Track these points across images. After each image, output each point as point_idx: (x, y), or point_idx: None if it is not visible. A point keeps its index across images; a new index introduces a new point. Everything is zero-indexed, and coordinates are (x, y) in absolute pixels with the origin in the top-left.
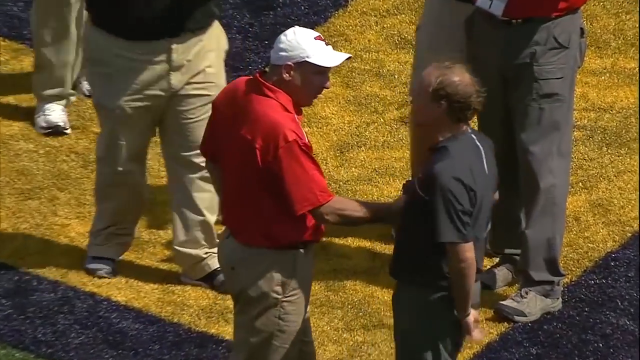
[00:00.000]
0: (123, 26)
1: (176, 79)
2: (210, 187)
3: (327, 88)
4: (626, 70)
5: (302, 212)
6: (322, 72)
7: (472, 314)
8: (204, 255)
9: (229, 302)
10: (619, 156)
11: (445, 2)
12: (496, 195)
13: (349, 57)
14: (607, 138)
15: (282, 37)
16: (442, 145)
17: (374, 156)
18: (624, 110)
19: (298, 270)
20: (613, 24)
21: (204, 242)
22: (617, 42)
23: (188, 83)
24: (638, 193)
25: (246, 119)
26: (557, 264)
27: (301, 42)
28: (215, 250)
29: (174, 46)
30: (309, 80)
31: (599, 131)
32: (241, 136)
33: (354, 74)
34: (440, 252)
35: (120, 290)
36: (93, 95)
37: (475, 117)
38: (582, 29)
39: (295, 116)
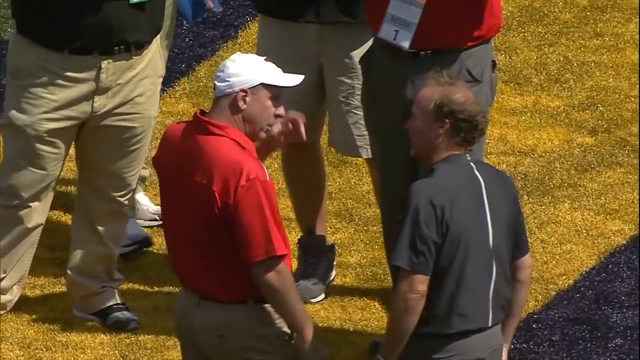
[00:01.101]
0: (50, 35)
1: (100, 103)
2: (118, 219)
3: (282, 117)
4: (549, 109)
5: (257, 259)
6: (276, 97)
7: None
8: (100, 290)
9: None
10: (541, 205)
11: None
12: (526, 260)
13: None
14: (528, 185)
15: (227, 63)
16: (435, 167)
17: None
18: (547, 154)
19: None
20: (535, 58)
21: (102, 276)
22: (539, 77)
23: (111, 112)
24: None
25: (197, 165)
26: None
27: (253, 64)
28: (113, 284)
29: (104, 65)
30: (265, 106)
31: (519, 177)
32: (195, 184)
33: None
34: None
35: None
36: (4, 112)
37: (379, 161)
38: (493, 61)
39: (254, 151)
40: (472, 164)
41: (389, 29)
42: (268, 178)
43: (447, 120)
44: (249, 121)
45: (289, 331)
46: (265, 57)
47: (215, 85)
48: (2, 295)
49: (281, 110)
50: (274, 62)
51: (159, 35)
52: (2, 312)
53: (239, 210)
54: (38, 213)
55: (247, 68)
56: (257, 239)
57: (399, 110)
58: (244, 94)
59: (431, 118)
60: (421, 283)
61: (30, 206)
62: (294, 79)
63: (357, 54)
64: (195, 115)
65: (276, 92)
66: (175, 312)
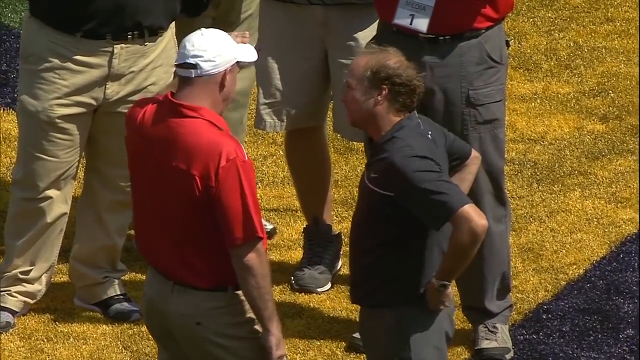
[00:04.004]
0: (61, 17)
1: (112, 90)
2: (124, 209)
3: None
4: (559, 95)
5: (243, 242)
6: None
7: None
8: (102, 280)
9: None
10: (551, 194)
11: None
12: None
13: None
14: (538, 173)
15: (204, 44)
16: (389, 137)
17: (272, 194)
18: (557, 142)
19: None
20: (544, 43)
21: (105, 266)
22: (549, 63)
23: (123, 99)
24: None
25: (173, 149)
26: (509, 287)
27: (228, 41)
28: (116, 275)
29: (117, 50)
30: (235, 83)
31: (528, 165)
32: (172, 169)
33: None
34: (413, 258)
35: None
36: (18, 98)
37: None
38: (507, 41)
39: (228, 129)
40: (418, 121)
41: (404, 13)
42: (247, 157)
43: (385, 86)
44: (226, 97)
45: None
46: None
47: (192, 64)
48: (31, 285)
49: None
50: (276, 48)
51: (173, 23)
52: (32, 301)
53: (220, 192)
54: (59, 202)
55: (226, 46)
56: (240, 220)
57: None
58: (227, 72)
59: (368, 85)
60: (473, 210)
61: (51, 197)
62: (253, 54)
63: (363, 36)
64: (166, 97)
65: (241, 68)
66: (144, 297)
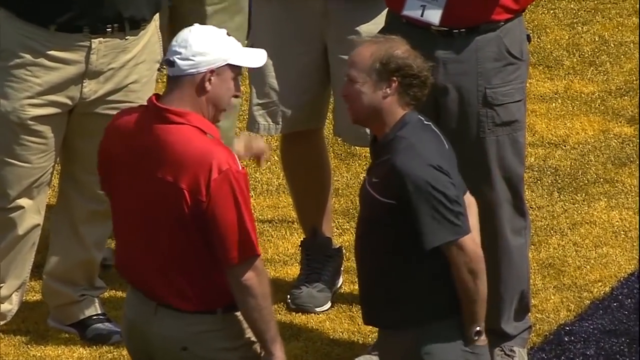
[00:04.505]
0: (34, 7)
1: (90, 88)
2: (103, 220)
3: (238, 97)
4: (583, 95)
5: (240, 261)
6: (236, 78)
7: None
8: (79, 298)
9: None
10: (574, 204)
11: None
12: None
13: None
14: (560, 181)
15: (190, 38)
16: (392, 136)
17: (266, 204)
18: (581, 146)
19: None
20: (567, 38)
21: (82, 283)
22: (572, 60)
23: (102, 99)
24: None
25: (159, 160)
26: (528, 307)
27: (219, 41)
28: (94, 293)
29: (95, 44)
30: (229, 88)
31: (548, 172)
32: (159, 182)
33: (242, 102)
34: (429, 272)
35: None
36: None
37: None
38: (528, 35)
39: (219, 136)
40: (419, 116)
41: (415, 4)
42: (241, 167)
43: (395, 79)
44: (214, 103)
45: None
46: (226, 32)
47: (171, 60)
48: (1, 305)
49: (238, 92)
50: (271, 43)
51: (157, 15)
52: (1, 322)
53: (213, 207)
54: (32, 213)
55: (213, 45)
56: (236, 238)
57: (426, 100)
58: (210, 75)
59: (376, 78)
60: (471, 243)
61: (22, 207)
62: (259, 58)
63: (367, 29)
64: (150, 101)
65: (238, 72)
66: (124, 318)
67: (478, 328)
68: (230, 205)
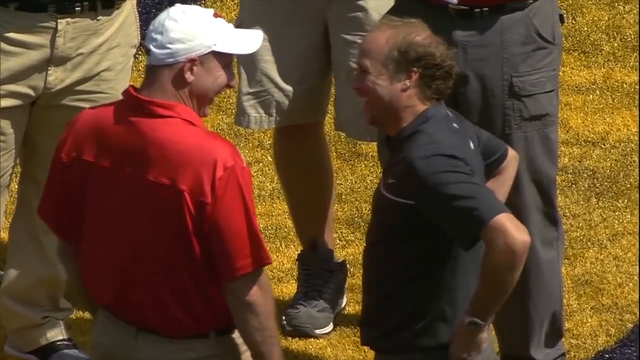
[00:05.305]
0: None
1: (55, 76)
2: None
3: (233, 87)
4: (625, 85)
5: (246, 270)
6: (227, 65)
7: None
8: (41, 321)
9: None
10: (614, 211)
11: None
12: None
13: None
14: (598, 185)
15: (167, 23)
16: (411, 131)
17: (258, 211)
18: (622, 145)
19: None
20: (606, 19)
21: (45, 303)
22: (612, 44)
23: (69, 89)
24: None
25: (148, 160)
26: (562, 331)
27: (201, 25)
28: (59, 315)
29: (61, 25)
30: (216, 77)
31: (585, 175)
32: (150, 186)
33: (228, 92)
34: (442, 290)
35: None
36: None
37: None
38: (561, 15)
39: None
40: (447, 112)
41: None
42: (245, 163)
43: (416, 69)
44: (198, 95)
45: None
46: (213, 12)
47: (148, 49)
48: None
49: (234, 81)
50: (264, 23)
51: None
52: None
53: (219, 210)
54: None
55: (194, 31)
56: (246, 244)
57: None
58: (193, 63)
59: (394, 69)
60: (509, 221)
61: None
62: (252, 43)
63: (374, 5)
64: (129, 93)
65: (228, 60)
66: (96, 348)
67: (477, 320)
68: (239, 207)
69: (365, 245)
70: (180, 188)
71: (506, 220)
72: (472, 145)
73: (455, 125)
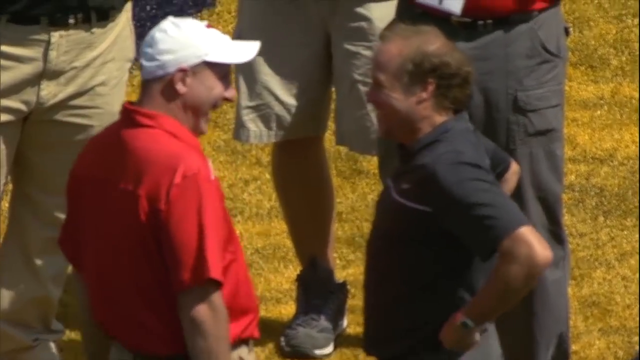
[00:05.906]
0: None
1: (48, 91)
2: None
3: (231, 100)
4: (633, 101)
5: (189, 284)
6: (224, 76)
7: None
8: (32, 343)
9: None
10: (622, 230)
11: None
12: None
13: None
14: (606, 203)
15: (157, 35)
16: (429, 140)
17: (255, 230)
18: (631, 162)
19: None
20: (614, 32)
21: (36, 325)
22: (620, 58)
23: (63, 104)
24: None
25: (123, 168)
26: (568, 354)
27: (191, 36)
28: (50, 337)
29: (55, 38)
30: (211, 87)
31: (592, 193)
32: (120, 194)
33: (224, 107)
34: (449, 298)
35: None
36: None
37: None
38: (566, 28)
39: (197, 142)
40: (464, 123)
41: None
42: (213, 177)
43: (431, 80)
44: (193, 108)
45: None
46: (206, 24)
47: (141, 63)
48: None
49: (231, 92)
50: (263, 33)
51: (129, 5)
52: None
53: (170, 217)
54: None
55: (184, 41)
56: (191, 255)
57: None
58: (184, 74)
59: (408, 81)
60: (530, 233)
61: None
62: (246, 53)
63: (379, 15)
64: (123, 106)
65: (224, 70)
66: None
67: (470, 323)
68: (191, 215)
69: (366, 254)
70: (138, 194)
71: (530, 233)
72: (487, 160)
73: (474, 138)
